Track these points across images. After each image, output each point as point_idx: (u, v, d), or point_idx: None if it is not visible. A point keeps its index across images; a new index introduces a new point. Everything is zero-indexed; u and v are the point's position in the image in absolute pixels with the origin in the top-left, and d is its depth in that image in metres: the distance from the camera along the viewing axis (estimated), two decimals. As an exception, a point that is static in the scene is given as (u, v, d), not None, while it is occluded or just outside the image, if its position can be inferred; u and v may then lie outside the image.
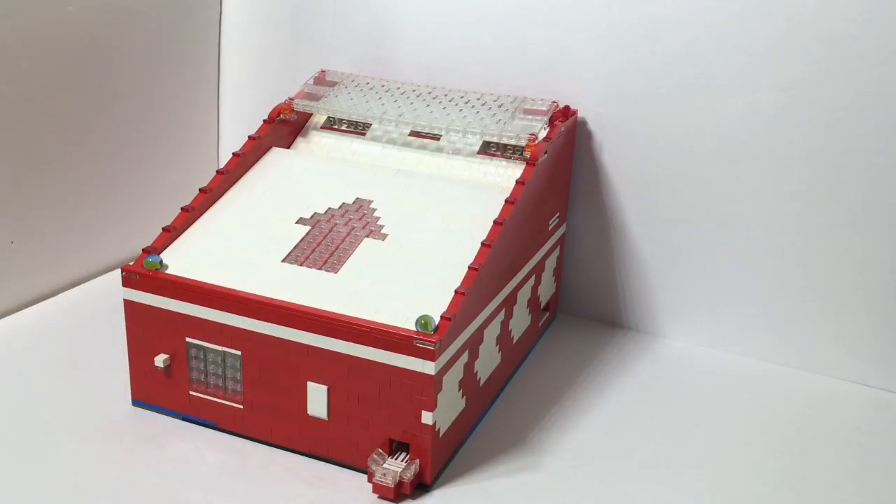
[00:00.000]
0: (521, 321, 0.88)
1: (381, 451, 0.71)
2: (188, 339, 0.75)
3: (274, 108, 0.91)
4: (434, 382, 0.68)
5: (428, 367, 0.68)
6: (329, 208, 0.82)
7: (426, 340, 0.67)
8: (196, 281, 0.74)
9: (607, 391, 0.88)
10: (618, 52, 0.91)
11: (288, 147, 0.93)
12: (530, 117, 0.87)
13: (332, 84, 0.95)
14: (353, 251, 0.77)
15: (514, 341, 0.87)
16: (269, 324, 0.72)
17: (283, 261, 0.76)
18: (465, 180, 0.85)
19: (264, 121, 0.90)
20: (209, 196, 0.83)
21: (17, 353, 0.88)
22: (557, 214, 0.93)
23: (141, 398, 0.80)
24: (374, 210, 0.81)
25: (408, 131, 0.91)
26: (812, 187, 0.87)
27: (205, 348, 0.75)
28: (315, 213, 0.81)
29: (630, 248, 0.97)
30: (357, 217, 0.80)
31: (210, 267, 0.76)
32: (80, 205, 1.00)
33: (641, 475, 0.75)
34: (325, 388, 0.72)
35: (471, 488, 0.73)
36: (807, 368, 0.92)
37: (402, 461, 0.71)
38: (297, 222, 0.80)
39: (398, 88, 0.93)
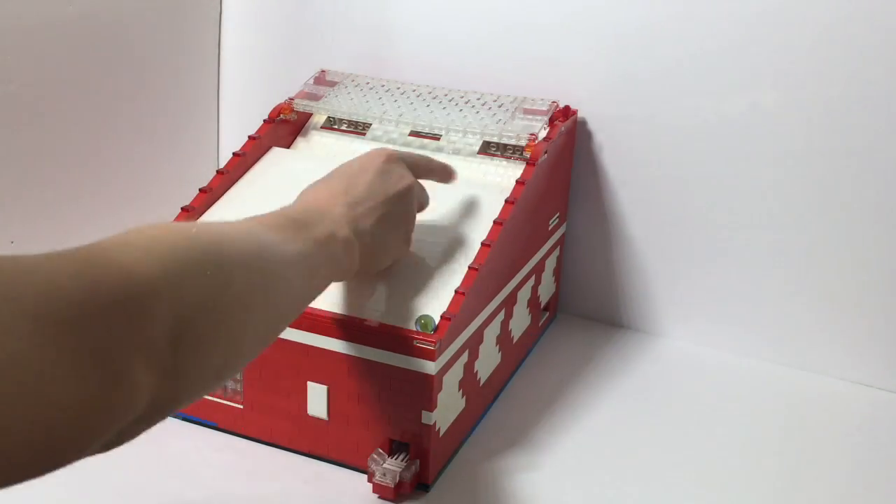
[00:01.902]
0: (521, 321, 0.88)
1: (381, 451, 0.71)
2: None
3: (274, 108, 0.91)
4: (434, 382, 0.68)
5: (428, 367, 0.68)
6: (329, 208, 0.82)
7: (426, 340, 0.67)
8: (196, 281, 0.74)
9: (607, 391, 0.88)
10: (618, 52, 0.91)
11: (288, 147, 0.93)
12: (530, 117, 0.87)
13: (332, 84, 0.95)
14: (353, 251, 0.77)
15: (514, 341, 0.87)
16: (269, 324, 0.72)
17: (283, 261, 0.76)
18: (465, 180, 0.85)
19: (264, 121, 0.90)
20: (209, 196, 0.82)
21: (17, 353, 0.88)
22: (557, 214, 0.93)
23: (141, 398, 0.80)
24: (374, 210, 0.81)
25: (408, 131, 0.91)
26: (812, 187, 0.87)
27: (205, 348, 0.75)
28: (315, 213, 0.81)
29: (630, 248, 0.97)
30: (357, 217, 0.80)
31: (210, 267, 0.76)
32: (81, 205, 1.00)
33: (641, 475, 0.75)
34: (325, 388, 0.72)
35: (471, 488, 0.73)
36: (807, 368, 0.92)
37: (402, 461, 0.71)
38: (297, 222, 0.80)
39: (398, 88, 0.93)
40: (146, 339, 0.40)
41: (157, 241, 0.43)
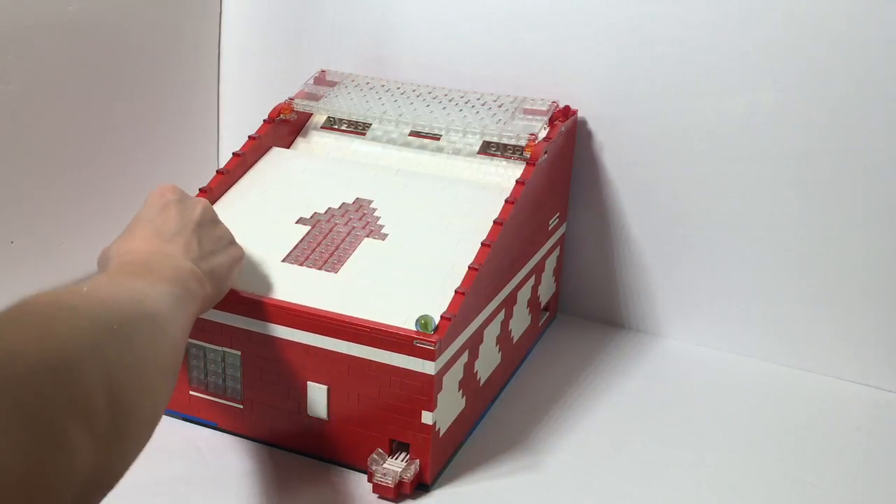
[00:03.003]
0: (521, 321, 0.88)
1: (381, 451, 0.71)
2: (188, 339, 0.75)
3: (274, 108, 0.91)
4: (434, 382, 0.68)
5: (428, 367, 0.68)
6: (329, 208, 0.82)
7: (426, 340, 0.67)
8: (196, 281, 0.74)
9: (607, 391, 0.88)
10: (618, 52, 0.91)
11: (288, 147, 0.93)
12: (530, 117, 0.87)
13: (332, 84, 0.95)
14: (353, 251, 0.77)
15: (514, 341, 0.87)
16: (269, 324, 0.72)
17: (283, 261, 0.76)
18: (465, 180, 0.85)
19: (264, 121, 0.90)
20: (209, 196, 0.82)
21: (17, 353, 0.88)
22: (557, 214, 0.93)
23: (141, 398, 0.80)
24: (374, 210, 0.81)
25: (408, 131, 0.91)
26: (812, 187, 0.87)
27: (204, 348, 0.75)
28: (315, 213, 0.81)
29: (630, 248, 0.97)
30: (357, 217, 0.80)
31: (210, 267, 0.76)
32: (81, 205, 1.00)
33: (641, 475, 0.75)
34: (325, 388, 0.72)
35: (471, 488, 0.73)
36: (807, 368, 0.92)
37: (402, 461, 0.71)
38: (297, 222, 0.80)
39: (398, 88, 0.93)
40: (82, 403, 0.40)
41: (58, 303, 0.44)
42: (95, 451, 0.40)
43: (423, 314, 0.68)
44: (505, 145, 0.87)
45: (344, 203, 0.82)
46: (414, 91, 0.93)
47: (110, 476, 0.44)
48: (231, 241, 0.71)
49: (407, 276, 0.74)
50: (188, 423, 0.78)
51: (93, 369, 0.41)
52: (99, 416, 0.41)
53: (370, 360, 0.69)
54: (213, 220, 0.70)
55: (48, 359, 0.39)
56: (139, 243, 0.63)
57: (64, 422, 0.38)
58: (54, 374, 0.39)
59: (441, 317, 0.69)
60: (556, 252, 0.96)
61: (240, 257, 0.71)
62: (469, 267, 0.73)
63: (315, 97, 0.93)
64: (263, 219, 0.81)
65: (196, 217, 0.67)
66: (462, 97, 0.91)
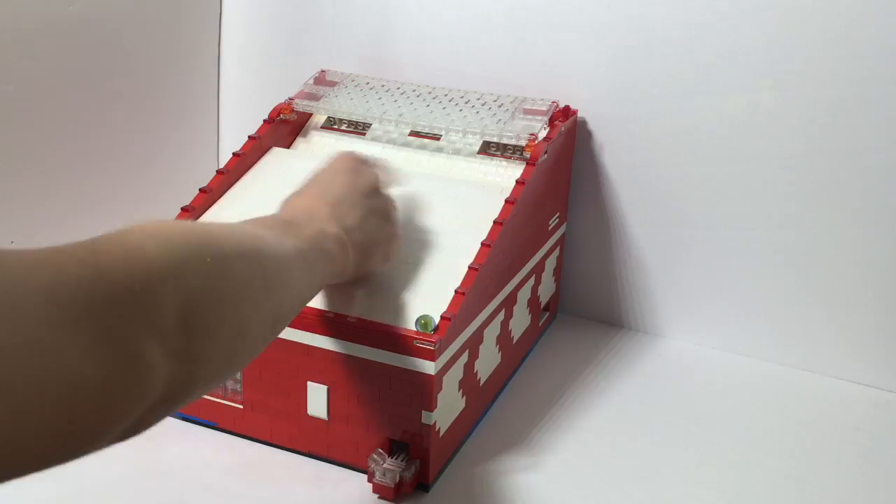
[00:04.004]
0: (521, 321, 0.88)
1: (381, 451, 0.71)
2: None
3: (274, 108, 0.91)
4: (434, 382, 0.68)
5: (428, 367, 0.68)
6: (329, 208, 0.82)
7: (426, 340, 0.67)
8: (196, 281, 0.74)
9: (607, 391, 0.88)
10: (618, 52, 0.91)
11: (288, 147, 0.93)
12: (530, 117, 0.87)
13: (332, 84, 0.95)
14: (353, 251, 0.77)
15: (514, 341, 0.87)
16: (269, 324, 0.72)
17: (283, 261, 0.76)
18: (465, 180, 0.85)
19: (264, 121, 0.90)
20: (209, 196, 0.82)
21: (17, 353, 0.88)
22: (557, 214, 0.93)
23: (141, 398, 0.79)
24: (374, 210, 0.81)
25: (408, 131, 0.91)
26: (812, 187, 0.87)
27: (205, 348, 0.75)
28: (315, 213, 0.81)
29: (630, 248, 0.97)
30: (357, 217, 0.80)
31: (210, 267, 0.75)
32: (81, 205, 1.00)
33: (641, 475, 0.75)
34: (325, 388, 0.72)
35: (471, 488, 0.73)
36: (807, 368, 0.92)
37: (402, 461, 0.71)
38: (297, 222, 0.80)
39: (398, 88, 0.93)
40: (157, 323, 0.42)
41: (156, 231, 0.46)
42: (169, 367, 0.42)
43: (423, 314, 0.68)
44: (505, 145, 0.87)
45: (344, 203, 0.82)
46: (414, 91, 0.93)
47: (184, 393, 0.45)
48: (386, 217, 0.71)
49: (407, 276, 0.74)
50: (188, 423, 0.78)
51: (170, 294, 0.43)
52: (171, 337, 0.43)
53: (370, 360, 0.69)
54: (377, 193, 0.71)
55: (132, 282, 0.41)
56: (301, 200, 0.67)
57: (140, 340, 0.40)
58: (136, 297, 0.41)
59: (441, 317, 0.69)
60: (556, 252, 0.96)
61: (393, 236, 0.72)
62: (469, 267, 0.73)
63: (315, 97, 0.93)
64: (263, 219, 0.81)
65: (367, 188, 0.69)
66: (462, 97, 0.91)
